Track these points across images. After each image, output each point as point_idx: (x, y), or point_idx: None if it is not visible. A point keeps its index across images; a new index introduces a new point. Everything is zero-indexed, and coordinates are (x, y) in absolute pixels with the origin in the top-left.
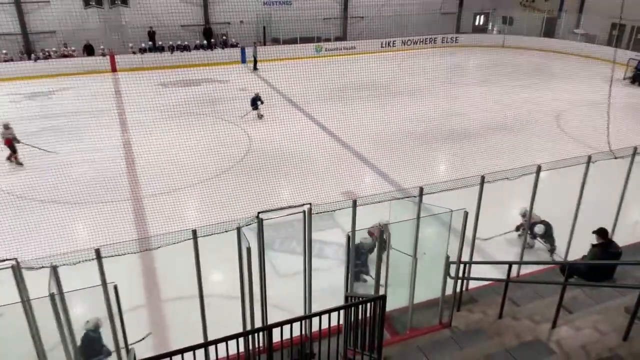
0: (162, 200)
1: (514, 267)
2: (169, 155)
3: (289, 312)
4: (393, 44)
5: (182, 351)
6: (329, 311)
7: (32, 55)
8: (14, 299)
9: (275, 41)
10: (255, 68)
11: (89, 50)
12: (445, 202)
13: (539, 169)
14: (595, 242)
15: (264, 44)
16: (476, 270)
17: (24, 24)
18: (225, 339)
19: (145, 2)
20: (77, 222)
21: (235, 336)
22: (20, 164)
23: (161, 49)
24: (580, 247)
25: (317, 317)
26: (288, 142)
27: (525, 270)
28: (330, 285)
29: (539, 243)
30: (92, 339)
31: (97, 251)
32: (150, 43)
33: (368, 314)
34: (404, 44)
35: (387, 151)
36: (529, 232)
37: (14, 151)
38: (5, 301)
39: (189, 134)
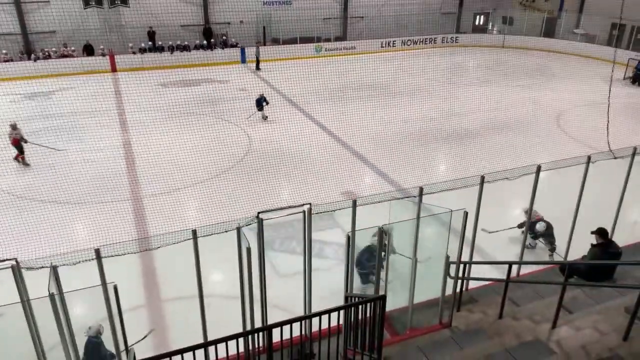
0: (162, 200)
1: (514, 267)
2: (169, 155)
3: (289, 312)
4: (393, 44)
5: (182, 351)
6: (329, 311)
7: (32, 55)
8: (14, 299)
9: (275, 41)
10: (257, 68)
11: (88, 50)
12: (445, 202)
13: (538, 169)
14: (594, 242)
15: (264, 44)
16: (476, 270)
17: (24, 24)
18: (225, 339)
19: (145, 2)
20: (77, 222)
21: (235, 336)
22: (27, 164)
23: (161, 49)
24: (580, 247)
25: (317, 317)
26: (288, 142)
27: (525, 270)
28: (330, 285)
29: (540, 243)
30: (95, 345)
31: (97, 251)
32: (150, 43)
33: (368, 314)
34: (404, 44)
35: (387, 151)
36: (530, 231)
37: (21, 151)
38: (5, 301)
39: (189, 134)
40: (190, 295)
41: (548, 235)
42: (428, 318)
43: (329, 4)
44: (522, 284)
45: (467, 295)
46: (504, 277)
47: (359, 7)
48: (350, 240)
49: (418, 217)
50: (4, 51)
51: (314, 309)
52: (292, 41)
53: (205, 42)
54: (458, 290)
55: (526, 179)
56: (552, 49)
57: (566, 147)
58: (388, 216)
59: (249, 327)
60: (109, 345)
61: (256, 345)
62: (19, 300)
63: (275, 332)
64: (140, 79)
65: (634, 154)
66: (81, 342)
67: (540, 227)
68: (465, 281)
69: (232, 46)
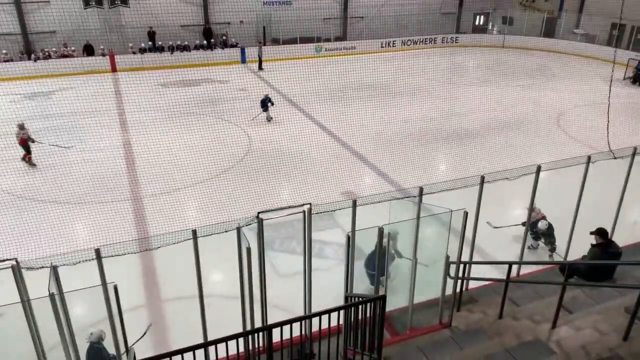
0: (162, 200)
1: (514, 267)
2: (169, 155)
3: (289, 312)
4: (393, 44)
5: (182, 351)
6: (329, 311)
7: (32, 55)
8: (14, 299)
9: (275, 41)
10: (260, 68)
11: (88, 50)
12: (445, 202)
13: (538, 169)
14: (594, 242)
15: (264, 44)
16: (476, 270)
17: (24, 24)
18: (225, 339)
19: (145, 2)
20: (77, 222)
21: (235, 336)
22: (33, 164)
23: (161, 49)
24: (580, 247)
25: (317, 317)
26: (288, 142)
27: (525, 270)
28: (330, 285)
29: (541, 244)
30: (97, 351)
31: (97, 251)
32: (150, 43)
33: (368, 314)
34: (404, 44)
35: (387, 151)
36: (532, 229)
37: (28, 152)
38: (5, 301)
39: (189, 134)
40: (190, 295)
41: (549, 235)
42: (428, 318)
43: (329, 4)
44: (522, 284)
45: (467, 295)
46: (504, 277)
47: (359, 7)
48: (350, 240)
49: (418, 217)
50: (4, 51)
51: (314, 309)
52: (292, 41)
53: (205, 42)
54: (458, 290)
55: (526, 179)
56: (552, 49)
57: (566, 147)
58: (388, 216)
59: (249, 327)
60: (109, 345)
61: (256, 345)
62: (19, 300)
63: (275, 332)
64: (140, 79)
65: (634, 154)
66: (81, 342)
67: (542, 225)
68: (465, 281)
69: (232, 46)
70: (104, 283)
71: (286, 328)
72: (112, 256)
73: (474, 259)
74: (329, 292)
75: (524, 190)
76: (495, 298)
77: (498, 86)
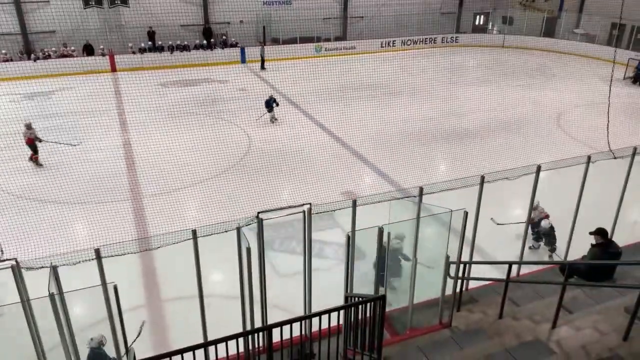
0: (162, 200)
1: (514, 267)
2: (169, 155)
3: (289, 312)
4: (393, 43)
5: (182, 351)
6: (329, 311)
7: (32, 55)
8: (14, 299)
9: (275, 41)
10: (262, 67)
11: (88, 50)
12: (445, 202)
13: (538, 169)
14: (594, 242)
15: (264, 44)
16: (476, 270)
17: (24, 24)
18: (225, 339)
19: (145, 2)
20: (77, 222)
21: (235, 336)
22: (40, 164)
23: (161, 49)
24: (580, 247)
25: (317, 317)
26: (288, 142)
27: (525, 270)
28: (330, 285)
29: (542, 244)
30: (97, 356)
31: (97, 251)
32: (150, 43)
33: (368, 314)
34: (404, 44)
35: (387, 151)
36: (534, 228)
37: (35, 151)
38: (5, 301)
39: (189, 133)
40: (190, 295)
41: (550, 235)
42: (428, 318)
43: (329, 4)
44: (522, 284)
45: (467, 295)
46: (504, 277)
47: (359, 7)
48: (350, 240)
49: (418, 217)
50: (3, 51)
51: (314, 309)
52: (292, 41)
53: (205, 42)
54: (458, 290)
55: (526, 179)
56: (552, 49)
57: (566, 147)
58: (388, 216)
59: (249, 327)
60: (109, 346)
61: (256, 345)
62: (19, 300)
63: (275, 332)
64: (140, 79)
65: (634, 154)
66: (82, 342)
67: (545, 224)
68: (465, 281)
69: (232, 46)
70: (104, 283)
71: (286, 328)
72: (112, 256)
73: (474, 259)
74: (329, 292)
75: (524, 190)
76: (495, 298)
77: (498, 86)
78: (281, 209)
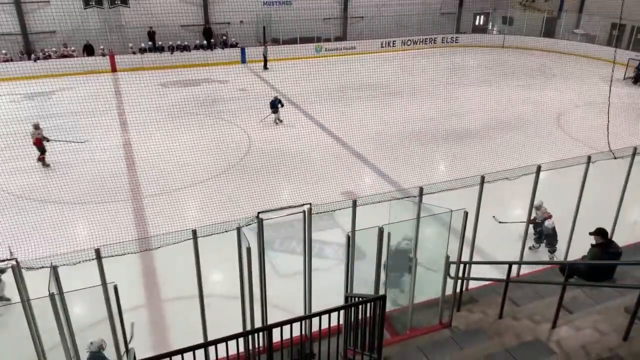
0: (162, 200)
1: (514, 267)
2: (169, 155)
3: (289, 312)
4: (393, 44)
5: (182, 351)
6: (329, 311)
7: (32, 55)
8: (14, 299)
9: (275, 41)
10: (265, 67)
11: (88, 50)
12: (445, 202)
13: (538, 169)
14: (594, 242)
15: (264, 44)
16: (476, 270)
17: (24, 24)
18: (225, 339)
19: (145, 2)
20: (77, 222)
21: (235, 336)
22: (47, 165)
23: (161, 49)
24: (580, 247)
25: (317, 317)
26: (288, 142)
27: (525, 270)
28: (330, 285)
29: (543, 246)
30: (98, 359)
31: (97, 251)
32: (150, 43)
33: (368, 314)
34: (404, 44)
35: (387, 151)
36: (537, 228)
37: (42, 152)
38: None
39: (189, 134)
40: (190, 295)
41: (552, 235)
42: (428, 318)
43: (329, 4)
44: (522, 284)
45: (467, 295)
46: (504, 277)
47: (359, 7)
48: (350, 240)
49: (418, 217)
50: (3, 51)
51: (314, 309)
52: (292, 41)
53: (205, 42)
54: (458, 290)
55: (526, 179)
56: (552, 49)
57: (566, 147)
58: (388, 216)
59: (249, 327)
60: (110, 345)
61: (256, 345)
62: (19, 300)
63: (275, 332)
64: (140, 79)
65: (634, 154)
66: (81, 341)
67: (548, 224)
68: (465, 281)
69: (232, 46)
70: (104, 283)
71: (286, 328)
72: (112, 256)
73: (474, 259)
74: (329, 292)
75: (524, 190)
76: (495, 298)
77: (498, 86)
78: (281, 209)
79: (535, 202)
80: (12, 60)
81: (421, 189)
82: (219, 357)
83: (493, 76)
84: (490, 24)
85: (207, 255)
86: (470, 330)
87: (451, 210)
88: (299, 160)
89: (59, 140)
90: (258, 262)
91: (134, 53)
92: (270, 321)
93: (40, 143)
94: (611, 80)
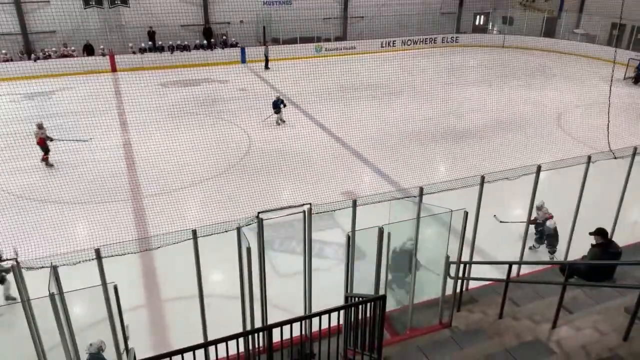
0: (162, 200)
1: (514, 267)
2: (169, 155)
3: (289, 312)
4: (393, 44)
5: (182, 351)
6: (329, 311)
7: (32, 55)
8: (19, 298)
9: (275, 41)
10: (266, 67)
11: (89, 50)
12: (446, 202)
13: (539, 169)
14: (594, 242)
15: (264, 44)
16: (476, 270)
17: (24, 24)
18: (225, 339)
19: (145, 2)
20: (77, 222)
21: (235, 336)
22: (50, 165)
23: (161, 49)
24: (580, 247)
25: (317, 317)
26: (288, 141)
27: (525, 270)
28: (330, 285)
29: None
30: None
31: (97, 251)
32: (150, 43)
33: (368, 314)
34: (404, 44)
35: (387, 151)
36: (539, 228)
37: (46, 151)
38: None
39: (189, 134)
40: (190, 295)
41: (553, 236)
42: (428, 318)
43: (329, 4)
44: (522, 284)
45: (467, 295)
46: (504, 277)
47: (359, 7)
48: (350, 240)
49: (418, 217)
50: (3, 51)
51: (314, 309)
52: (292, 41)
53: (205, 42)
54: (458, 290)
55: (526, 179)
56: (552, 49)
57: (566, 147)
58: (388, 216)
59: (249, 327)
60: (110, 345)
61: (256, 345)
62: (19, 300)
63: (275, 332)
64: (140, 79)
65: (634, 154)
66: (82, 341)
67: (550, 224)
68: (465, 281)
69: (232, 46)
70: (104, 283)
71: (286, 328)
72: (112, 256)
73: (474, 259)
74: (329, 292)
75: (524, 190)
76: (495, 298)
77: (498, 86)
78: (281, 209)
79: (537, 203)
80: (12, 60)
81: (421, 189)
82: (219, 357)
83: (493, 76)
84: (491, 23)
85: (207, 255)
86: (470, 330)
87: (451, 210)
88: (299, 160)
89: (63, 140)
90: (258, 262)
91: (134, 53)
92: (270, 321)
93: (44, 143)
94: (611, 80)
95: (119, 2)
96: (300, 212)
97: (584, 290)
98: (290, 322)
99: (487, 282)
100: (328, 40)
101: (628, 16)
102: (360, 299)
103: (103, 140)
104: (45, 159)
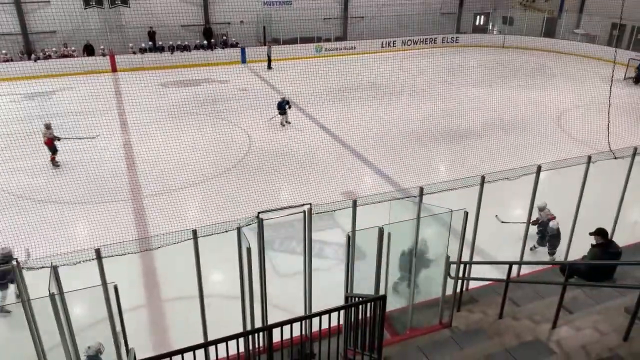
0: (162, 200)
1: (514, 267)
2: (169, 155)
3: (289, 312)
4: (393, 44)
5: (182, 351)
6: (329, 311)
7: (32, 55)
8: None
9: (275, 41)
10: (269, 67)
11: (89, 50)
12: (446, 202)
13: (539, 169)
14: (594, 242)
15: (264, 44)
16: (476, 270)
17: (24, 24)
18: (225, 339)
19: (146, 2)
20: (77, 222)
21: (235, 336)
22: (57, 165)
23: (161, 49)
24: (580, 247)
25: (317, 317)
26: (288, 142)
27: (526, 270)
28: (330, 285)
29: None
30: None
31: (97, 251)
32: (150, 43)
33: (368, 314)
34: (404, 44)
35: (388, 151)
36: (542, 229)
37: (54, 152)
38: (6, 301)
39: (189, 134)
40: (191, 295)
41: (556, 237)
42: (428, 318)
43: (329, 4)
44: (522, 284)
45: (467, 295)
46: (504, 277)
47: (359, 7)
48: (350, 240)
49: (418, 217)
50: (4, 51)
51: (314, 309)
52: (292, 41)
53: (205, 42)
54: (458, 290)
55: (526, 179)
56: (552, 49)
57: (567, 147)
58: (388, 216)
59: (249, 327)
60: (110, 345)
61: (256, 345)
62: (19, 300)
63: (276, 332)
64: (140, 79)
65: (634, 154)
66: (82, 341)
67: (553, 225)
68: (465, 281)
69: (232, 46)
70: (104, 283)
71: (286, 328)
72: (112, 256)
73: (474, 259)
74: (329, 292)
75: (525, 191)
76: (495, 298)
77: (498, 86)
78: (281, 209)
79: (540, 204)
80: (12, 60)
81: (421, 189)
82: (219, 357)
83: (493, 76)
84: (491, 24)
85: (207, 255)
86: (471, 330)
87: (451, 210)
88: (299, 160)
89: (71, 138)
90: (258, 262)
91: (134, 53)
92: (270, 321)
93: (51, 143)
94: (611, 80)
95: (119, 2)
96: (301, 212)
97: (584, 290)
98: (290, 322)
99: (487, 282)
100: (328, 40)
101: (628, 16)
102: (361, 299)
103: (103, 140)
104: (53, 159)
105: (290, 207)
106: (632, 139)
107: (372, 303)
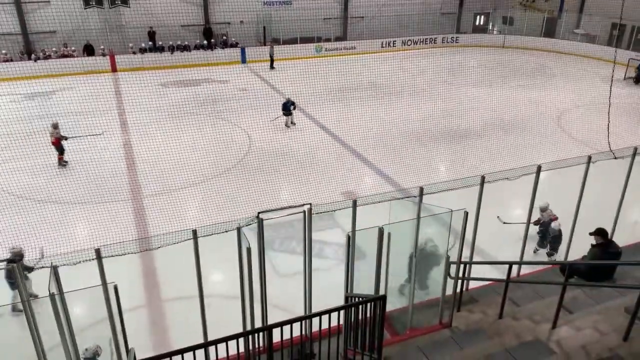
0: (162, 200)
1: (514, 267)
2: (169, 155)
3: (289, 312)
4: (393, 44)
5: (182, 351)
6: (329, 311)
7: (32, 55)
8: (40, 295)
9: (275, 41)
10: (272, 67)
11: (89, 50)
12: (446, 202)
13: (539, 169)
14: (594, 242)
15: (264, 44)
16: (476, 271)
17: (24, 24)
18: (225, 339)
19: (146, 2)
20: (77, 222)
21: (235, 336)
22: (63, 165)
23: (161, 49)
24: (580, 247)
25: (317, 317)
26: (288, 142)
27: (526, 270)
28: (330, 285)
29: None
30: None
31: (97, 251)
32: (150, 43)
33: (368, 314)
34: (404, 44)
35: (388, 151)
36: (543, 230)
37: (61, 152)
38: (5, 301)
39: (189, 134)
40: (190, 295)
41: (558, 237)
42: (428, 318)
43: (329, 4)
44: (522, 284)
45: (467, 295)
46: (504, 277)
47: (359, 7)
48: (350, 240)
49: (418, 217)
50: (4, 51)
51: (314, 309)
52: (293, 41)
53: (205, 42)
54: (458, 290)
55: (526, 179)
56: (552, 49)
57: (567, 147)
58: (388, 216)
59: (249, 327)
60: (109, 345)
61: (256, 345)
62: (19, 300)
63: (276, 332)
64: (140, 79)
65: (634, 154)
66: (82, 341)
67: (555, 226)
68: (465, 281)
69: (232, 46)
70: (104, 283)
71: (286, 328)
72: (112, 256)
73: (474, 259)
74: (329, 292)
75: (525, 191)
76: (495, 298)
77: (498, 86)
78: (281, 209)
79: (542, 204)
80: (12, 60)
81: (421, 189)
82: (219, 357)
83: (493, 76)
84: (491, 24)
85: (207, 255)
86: (471, 330)
87: (451, 210)
88: (299, 160)
89: (77, 136)
90: (258, 262)
91: (134, 53)
92: (270, 321)
93: (59, 143)
94: (612, 80)
95: (119, 2)
96: (301, 212)
97: (584, 290)
98: (290, 322)
99: (487, 282)
100: (328, 40)
101: (628, 16)
102: (360, 299)
103: (103, 140)
104: (60, 159)
105: (290, 207)
106: (632, 139)
107: (372, 303)
